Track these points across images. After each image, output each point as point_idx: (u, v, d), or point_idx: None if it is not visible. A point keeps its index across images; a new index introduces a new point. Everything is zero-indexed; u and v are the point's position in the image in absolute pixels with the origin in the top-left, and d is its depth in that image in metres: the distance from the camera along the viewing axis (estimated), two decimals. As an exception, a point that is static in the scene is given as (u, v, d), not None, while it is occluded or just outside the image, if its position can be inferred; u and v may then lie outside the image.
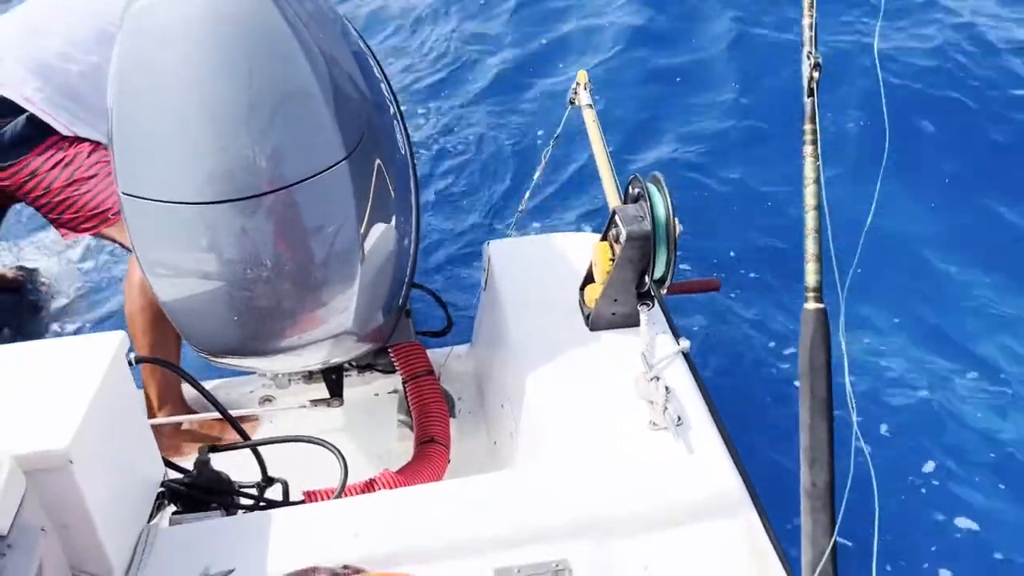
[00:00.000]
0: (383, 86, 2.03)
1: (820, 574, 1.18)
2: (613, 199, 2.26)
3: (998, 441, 2.95)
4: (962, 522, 2.66)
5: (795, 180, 1.31)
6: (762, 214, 3.86)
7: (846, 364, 1.19)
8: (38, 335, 3.27)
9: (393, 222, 1.92)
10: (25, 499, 1.31)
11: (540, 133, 4.43)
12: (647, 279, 1.96)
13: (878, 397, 3.00)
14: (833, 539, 1.19)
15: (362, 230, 1.80)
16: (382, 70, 2.14)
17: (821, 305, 1.26)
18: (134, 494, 1.68)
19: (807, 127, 1.24)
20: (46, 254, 3.63)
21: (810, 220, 1.22)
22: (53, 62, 2.54)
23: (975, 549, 2.59)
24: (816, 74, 1.22)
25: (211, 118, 1.64)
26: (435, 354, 2.54)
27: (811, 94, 1.23)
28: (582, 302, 2.14)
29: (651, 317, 2.03)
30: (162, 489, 1.78)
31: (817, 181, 1.23)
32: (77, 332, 3.39)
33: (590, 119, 2.49)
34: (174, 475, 1.86)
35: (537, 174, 2.66)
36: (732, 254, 3.57)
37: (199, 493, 1.80)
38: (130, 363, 1.70)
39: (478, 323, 2.58)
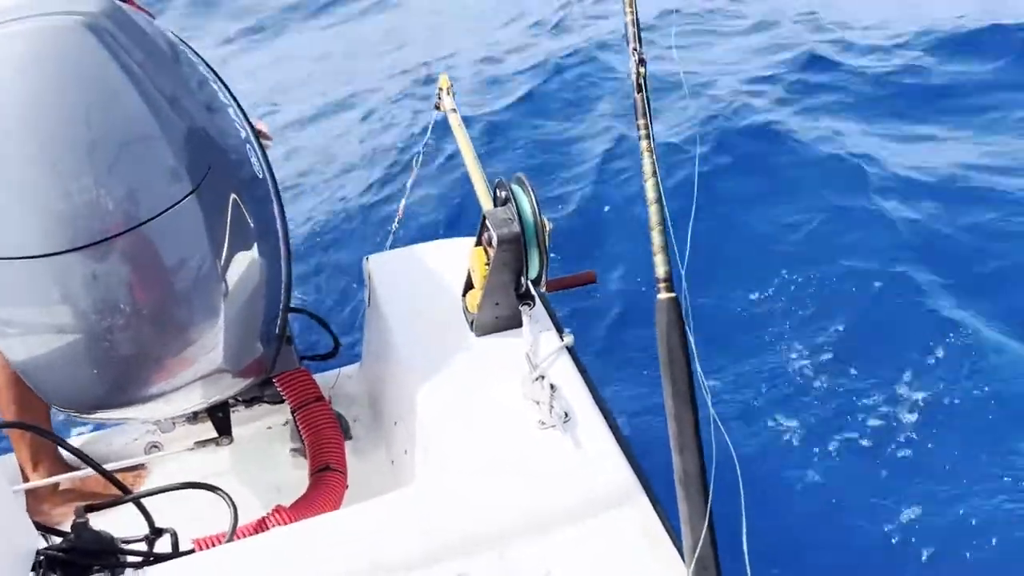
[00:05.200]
0: (231, 111, 1.95)
1: (699, 558, 1.20)
2: (486, 203, 2.25)
3: (846, 415, 3.12)
4: (825, 496, 2.83)
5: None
6: (629, 204, 4.00)
7: (694, 350, 1.21)
8: None
9: (255, 250, 1.85)
10: None
11: (410, 141, 4.44)
12: (523, 280, 1.96)
13: (739, 380, 3.14)
14: (706, 522, 1.21)
15: (221, 263, 1.73)
16: (230, 94, 2.06)
17: (672, 294, 1.27)
18: (3, 568, 1.58)
19: (640, 122, 1.26)
20: None
21: (653, 214, 1.23)
22: None
23: (836, 522, 2.77)
24: (642, 69, 1.24)
25: (46, 166, 1.55)
26: (324, 378, 2.49)
27: (640, 89, 1.25)
28: (465, 309, 2.13)
29: (533, 316, 2.03)
30: (40, 558, 1.67)
31: (655, 175, 1.24)
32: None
33: (456, 123, 2.48)
34: (54, 539, 1.76)
35: (410, 182, 2.63)
36: (606, 244, 3.65)
37: (79, 557, 1.70)
38: None
39: (366, 341, 2.54)
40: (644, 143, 1.25)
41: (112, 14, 1.59)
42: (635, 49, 1.23)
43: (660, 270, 1.26)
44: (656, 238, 1.24)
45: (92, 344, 1.66)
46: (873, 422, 3.05)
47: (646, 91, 1.25)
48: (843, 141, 4.54)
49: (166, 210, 1.62)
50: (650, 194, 1.22)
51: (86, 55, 1.55)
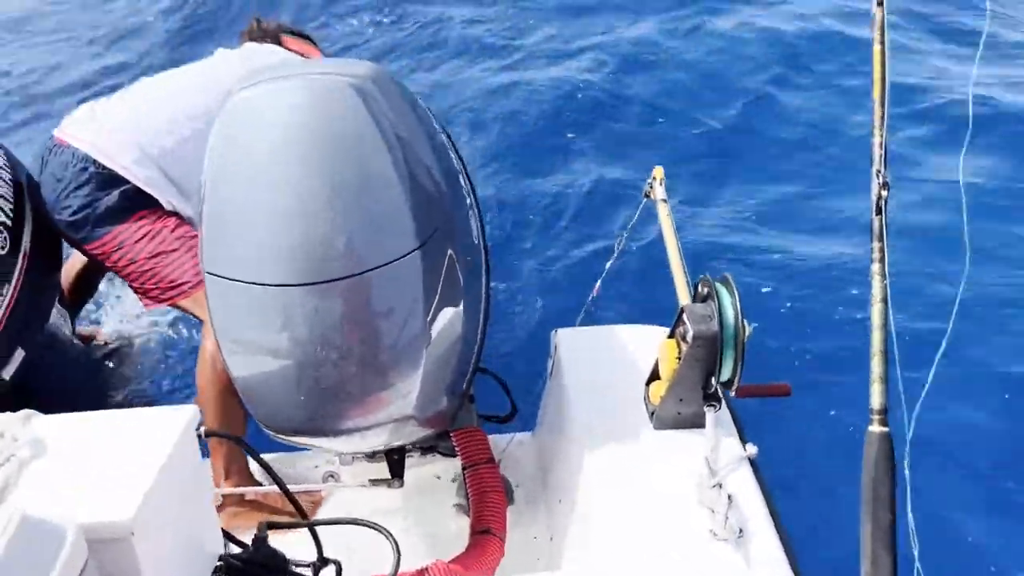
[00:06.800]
0: (461, 177, 2.08)
1: None
2: (683, 296, 2.24)
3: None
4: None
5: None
6: (836, 319, 3.80)
7: (908, 491, 1.14)
8: (114, 401, 3.39)
9: (461, 309, 1.94)
10: (86, 569, 1.34)
11: (614, 224, 4.50)
12: (713, 380, 1.93)
13: (943, 526, 2.84)
14: None
15: (429, 316, 1.83)
16: (461, 160, 2.20)
17: (886, 429, 1.21)
18: (191, 567, 1.71)
19: (875, 245, 1.22)
20: (130, 322, 3.81)
21: (876, 341, 1.19)
22: (157, 140, 2.70)
23: None
24: (884, 193, 1.21)
25: (295, 205, 1.71)
26: (498, 440, 2.53)
27: (879, 212, 1.22)
28: (647, 398, 2.11)
29: (717, 419, 1.98)
30: (220, 563, 1.80)
31: (884, 300, 1.20)
32: (148, 397, 3.50)
33: (664, 214, 2.50)
34: (233, 547, 1.89)
35: (609, 264, 2.66)
36: (804, 356, 3.49)
37: (255, 569, 1.82)
38: (199, 436, 1.75)
39: (542, 411, 2.57)
40: (876, 266, 1.22)
41: (378, 80, 1.75)
42: (879, 171, 1.21)
43: (875, 401, 1.20)
44: (876, 367, 1.19)
45: (303, 372, 1.80)
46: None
47: (885, 215, 1.22)
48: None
49: (390, 262, 1.74)
50: (875, 319, 1.19)
51: (348, 113, 1.71)
